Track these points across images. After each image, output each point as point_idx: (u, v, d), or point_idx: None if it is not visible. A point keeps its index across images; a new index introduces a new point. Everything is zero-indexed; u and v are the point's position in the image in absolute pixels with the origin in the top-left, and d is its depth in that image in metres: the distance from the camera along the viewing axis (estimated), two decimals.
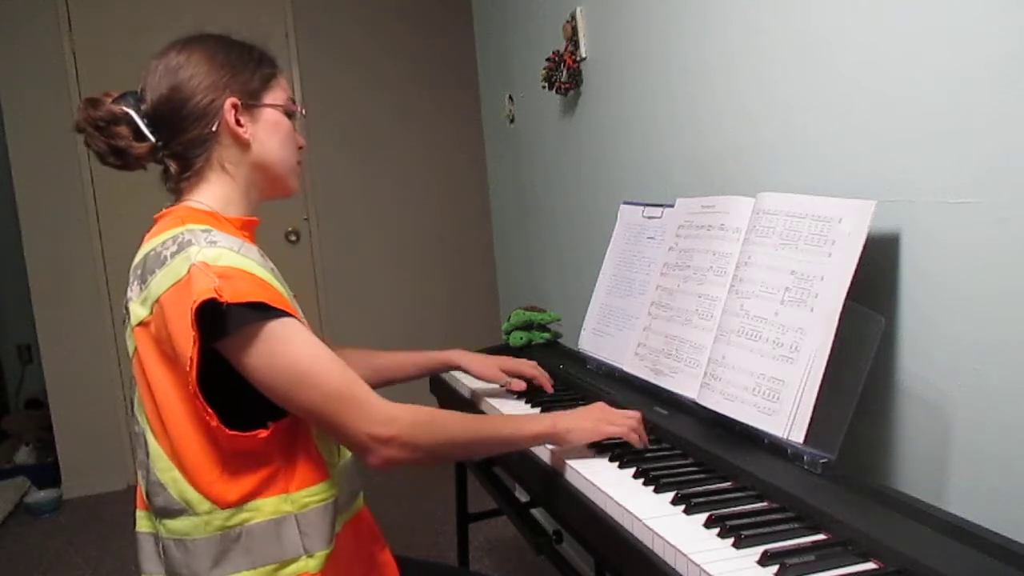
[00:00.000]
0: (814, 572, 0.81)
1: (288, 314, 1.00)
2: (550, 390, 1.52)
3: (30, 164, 3.41)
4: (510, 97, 2.57)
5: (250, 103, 1.12)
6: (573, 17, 1.97)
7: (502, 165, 2.80)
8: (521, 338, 1.92)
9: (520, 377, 1.53)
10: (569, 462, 1.14)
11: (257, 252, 1.05)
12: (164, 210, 1.12)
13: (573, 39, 1.98)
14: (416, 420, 1.03)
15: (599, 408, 1.21)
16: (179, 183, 1.12)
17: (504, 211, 2.84)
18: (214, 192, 1.12)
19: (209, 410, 0.98)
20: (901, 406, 1.07)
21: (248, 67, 1.13)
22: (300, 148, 1.20)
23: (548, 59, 2.06)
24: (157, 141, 1.11)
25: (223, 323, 0.96)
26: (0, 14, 3.34)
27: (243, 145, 1.12)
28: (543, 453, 1.22)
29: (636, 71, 1.76)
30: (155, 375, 1.02)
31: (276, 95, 1.15)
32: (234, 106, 1.10)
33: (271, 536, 1.02)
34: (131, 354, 1.07)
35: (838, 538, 0.87)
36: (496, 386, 1.56)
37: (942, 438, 1.01)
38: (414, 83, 3.80)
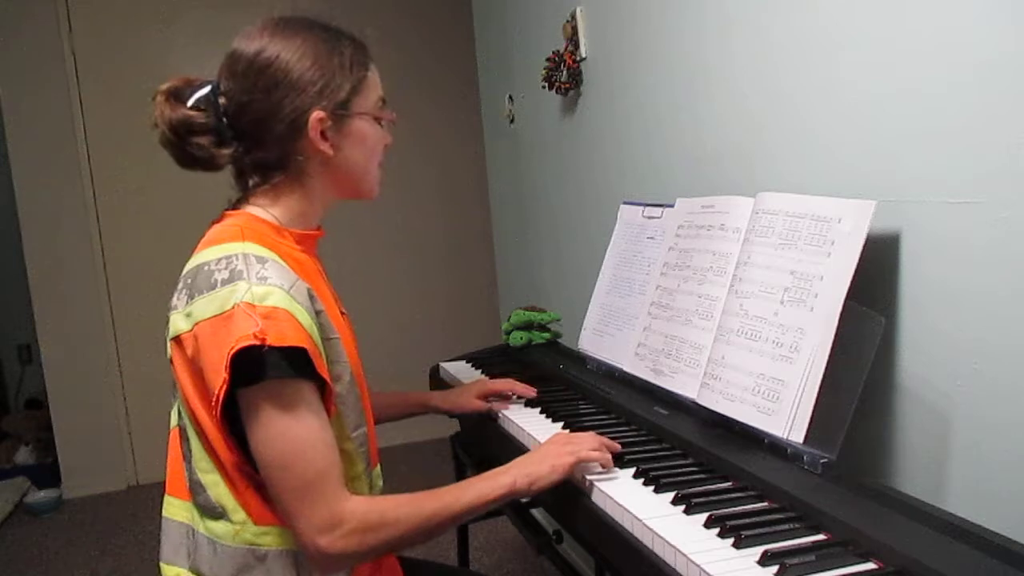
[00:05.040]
0: (814, 572, 0.81)
1: (315, 376, 0.96)
2: (533, 394, 1.48)
3: (30, 164, 3.41)
4: (510, 97, 2.57)
5: (338, 113, 1.06)
6: (573, 17, 1.97)
7: (502, 165, 2.79)
8: (521, 338, 1.92)
9: (499, 395, 1.49)
10: None
11: (307, 294, 1.00)
12: (228, 210, 1.08)
13: (573, 39, 1.98)
14: (365, 526, 0.96)
15: (556, 443, 1.12)
16: (253, 189, 1.08)
17: (504, 211, 2.84)
18: (286, 204, 1.08)
19: (232, 444, 0.98)
20: (901, 406, 1.07)
21: (339, 72, 1.05)
22: (386, 147, 1.14)
23: (548, 59, 2.06)
24: (239, 148, 1.05)
25: (257, 369, 0.92)
26: (0, 14, 3.34)
27: (326, 157, 1.07)
28: None
29: (636, 71, 1.75)
30: (187, 390, 1.00)
31: (366, 99, 1.09)
32: (320, 120, 1.04)
33: (290, 567, 1.01)
34: (168, 358, 1.04)
35: (838, 538, 0.87)
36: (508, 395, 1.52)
37: (942, 438, 1.01)
38: (414, 83, 3.80)
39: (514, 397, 1.51)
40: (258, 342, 0.91)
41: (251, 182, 1.08)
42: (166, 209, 3.54)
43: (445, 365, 1.91)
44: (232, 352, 0.91)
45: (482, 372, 1.79)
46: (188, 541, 1.05)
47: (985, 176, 0.93)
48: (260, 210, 1.07)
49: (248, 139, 1.05)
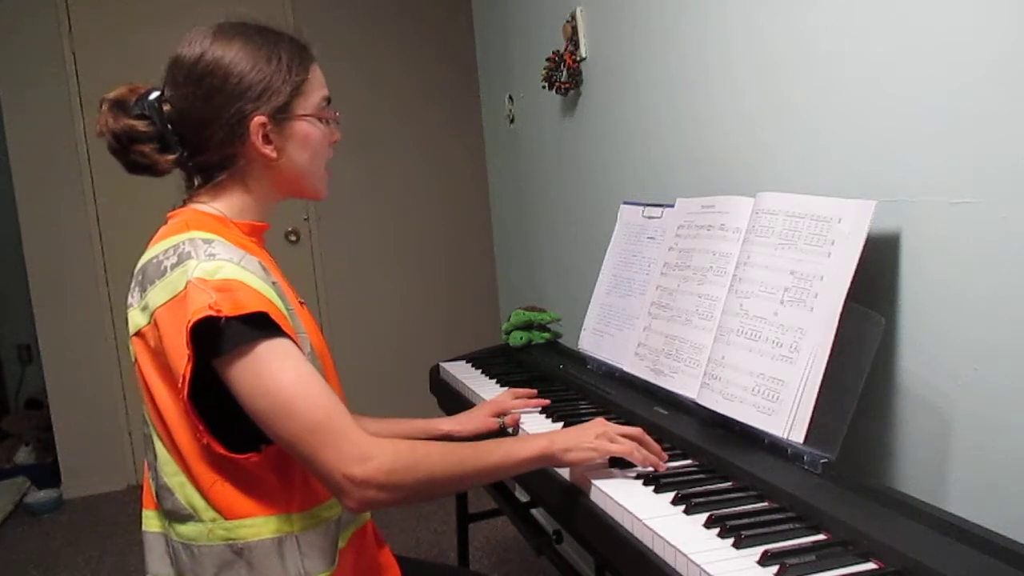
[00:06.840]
0: (814, 572, 0.81)
1: (284, 334, 0.96)
2: (543, 402, 1.45)
3: (30, 164, 3.41)
4: (510, 97, 2.57)
5: (279, 117, 1.06)
6: (573, 17, 1.97)
7: (502, 165, 2.80)
8: (521, 338, 1.92)
9: (507, 412, 1.43)
10: None
11: (259, 264, 1.01)
12: (173, 210, 1.10)
13: (573, 39, 1.98)
14: (396, 459, 0.95)
15: (598, 424, 1.11)
16: (197, 190, 1.10)
17: (504, 211, 2.84)
18: (228, 199, 1.09)
19: (201, 427, 0.97)
20: (901, 406, 1.07)
21: (277, 76, 1.05)
22: (334, 142, 1.15)
23: (548, 59, 2.06)
24: (183, 153, 1.07)
25: (219, 341, 0.93)
26: (0, 14, 3.34)
27: (269, 160, 1.07)
28: None
29: (636, 71, 1.75)
30: (155, 385, 1.01)
31: (308, 101, 1.09)
32: (262, 125, 1.04)
33: (273, 555, 1.00)
34: (133, 361, 1.06)
35: (838, 538, 0.87)
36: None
37: (942, 438, 1.01)
38: (414, 83, 3.80)
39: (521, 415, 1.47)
40: (214, 313, 0.91)
41: (196, 182, 1.10)
42: (166, 209, 3.53)
43: (445, 365, 1.91)
44: (190, 326, 0.92)
45: (482, 372, 1.79)
46: (168, 549, 1.06)
47: (985, 176, 0.93)
48: (203, 205, 1.08)
49: (191, 144, 1.07)
